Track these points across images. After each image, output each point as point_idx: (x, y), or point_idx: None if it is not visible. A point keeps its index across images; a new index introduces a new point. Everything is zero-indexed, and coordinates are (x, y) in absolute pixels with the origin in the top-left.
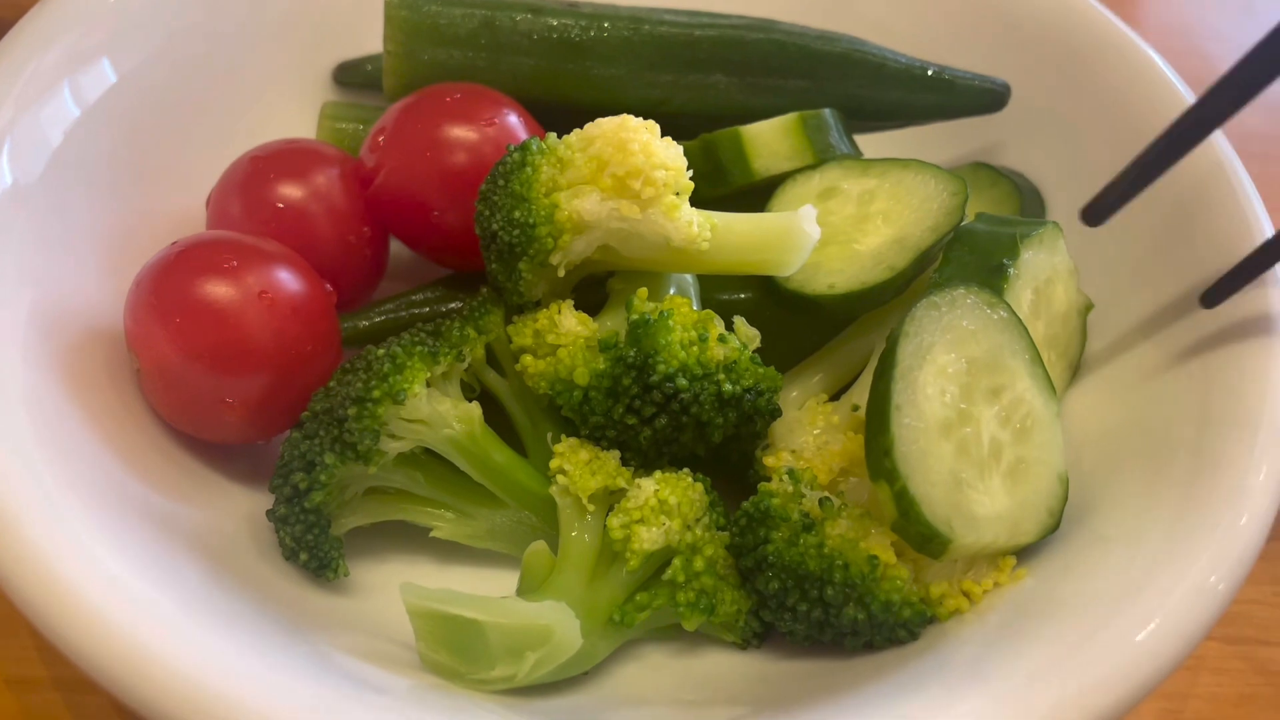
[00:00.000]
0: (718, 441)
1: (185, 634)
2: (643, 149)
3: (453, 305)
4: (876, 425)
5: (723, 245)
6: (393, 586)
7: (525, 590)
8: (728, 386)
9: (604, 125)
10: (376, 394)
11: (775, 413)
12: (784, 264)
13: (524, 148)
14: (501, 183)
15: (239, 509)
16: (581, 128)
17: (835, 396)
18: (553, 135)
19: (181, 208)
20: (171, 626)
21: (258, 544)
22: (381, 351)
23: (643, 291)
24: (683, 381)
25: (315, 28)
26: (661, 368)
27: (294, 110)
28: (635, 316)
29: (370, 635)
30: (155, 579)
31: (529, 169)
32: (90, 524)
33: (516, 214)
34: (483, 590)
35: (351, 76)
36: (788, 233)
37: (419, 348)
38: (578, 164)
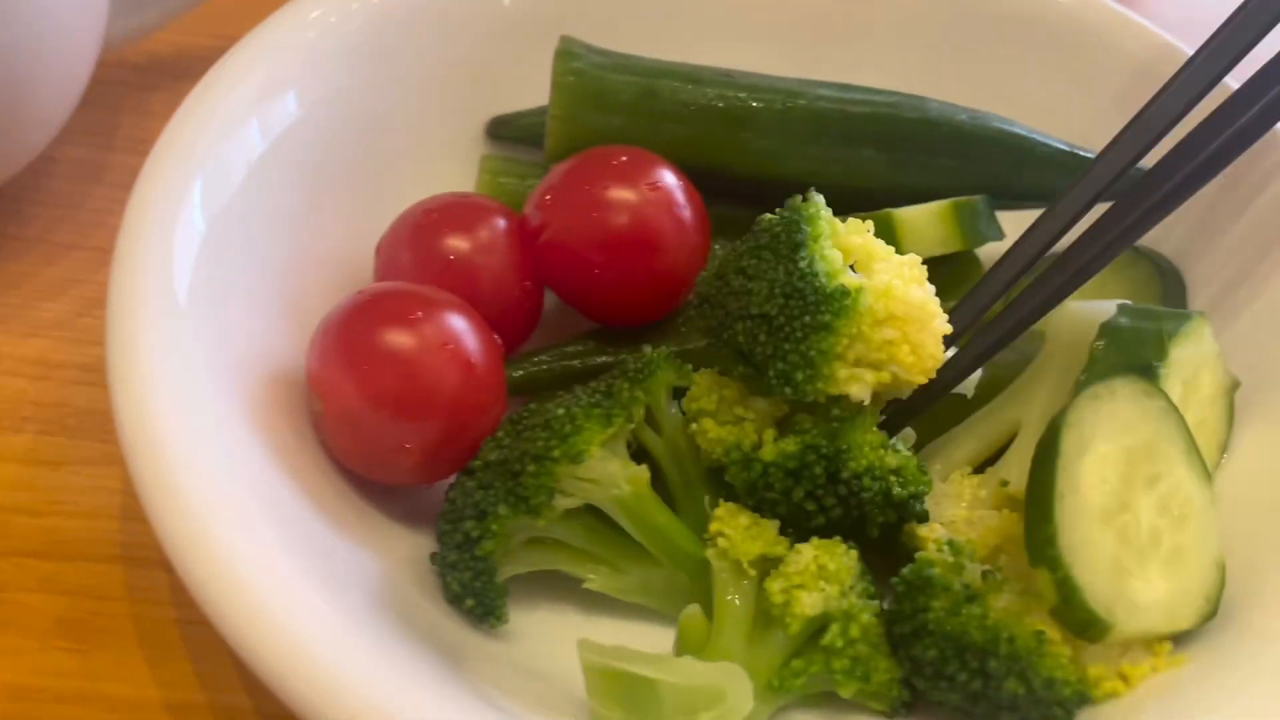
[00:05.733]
0: (873, 536)
1: (365, 659)
2: (912, 346)
3: (603, 359)
4: (1039, 513)
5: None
6: (542, 633)
7: (684, 651)
8: (897, 490)
9: (897, 306)
10: (556, 454)
11: (924, 517)
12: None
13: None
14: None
15: (399, 550)
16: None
17: (978, 469)
18: (855, 284)
19: (349, 251)
20: (354, 651)
21: (420, 584)
22: (562, 412)
23: None
24: (868, 481)
25: (473, 81)
26: (853, 465)
27: (452, 159)
28: (837, 410)
29: (529, 679)
30: (341, 609)
31: (829, 340)
32: (285, 556)
33: (799, 377)
34: (627, 643)
35: (504, 130)
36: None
37: (596, 410)
38: (868, 339)
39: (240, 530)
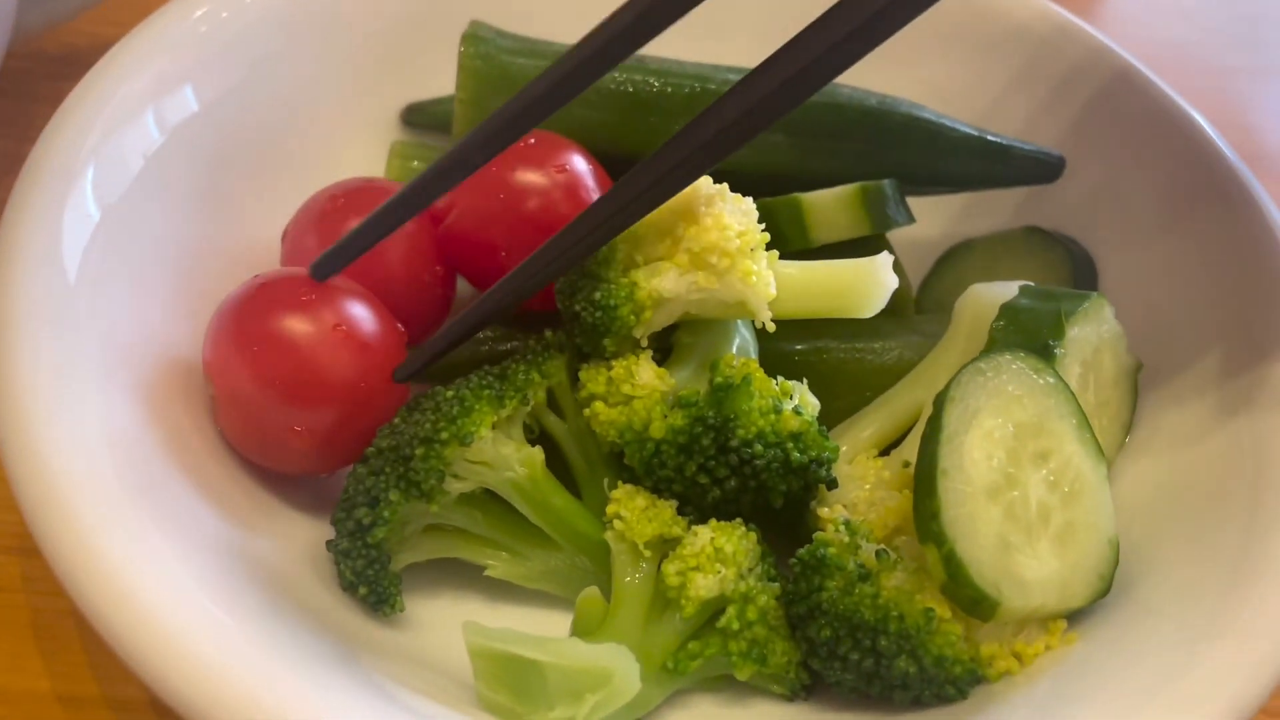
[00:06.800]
0: (777, 506)
1: (246, 653)
2: (715, 222)
3: (513, 344)
4: (924, 489)
5: (793, 294)
6: (443, 623)
7: (580, 634)
8: (796, 455)
9: (673, 203)
10: (444, 435)
11: (832, 484)
12: (858, 309)
13: None
14: None
15: (300, 538)
16: None
17: (884, 451)
18: None
19: (255, 239)
20: (234, 645)
21: (317, 573)
22: (450, 393)
23: (729, 357)
24: (759, 448)
25: (384, 68)
26: (741, 433)
27: (362, 147)
28: (720, 380)
29: (424, 669)
30: (222, 600)
31: (605, 248)
32: (163, 544)
33: (597, 295)
34: (531, 631)
35: (419, 117)
36: (861, 282)
37: (486, 391)
38: (651, 238)
39: (114, 519)
